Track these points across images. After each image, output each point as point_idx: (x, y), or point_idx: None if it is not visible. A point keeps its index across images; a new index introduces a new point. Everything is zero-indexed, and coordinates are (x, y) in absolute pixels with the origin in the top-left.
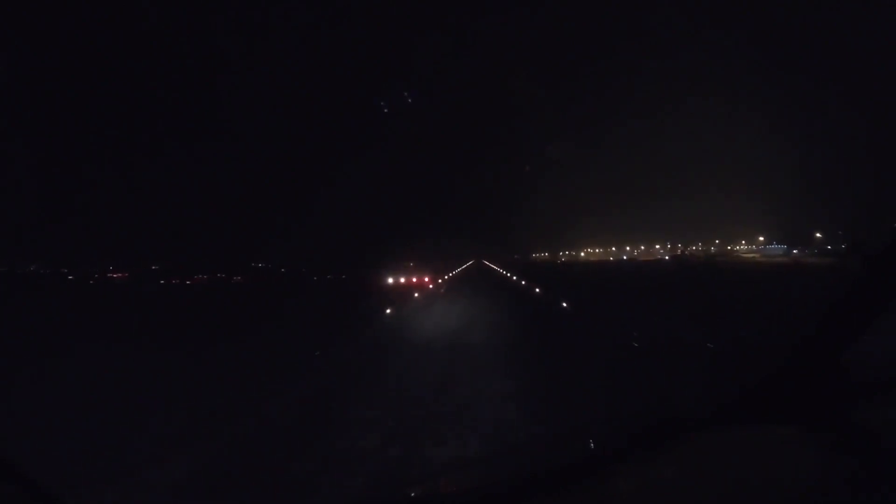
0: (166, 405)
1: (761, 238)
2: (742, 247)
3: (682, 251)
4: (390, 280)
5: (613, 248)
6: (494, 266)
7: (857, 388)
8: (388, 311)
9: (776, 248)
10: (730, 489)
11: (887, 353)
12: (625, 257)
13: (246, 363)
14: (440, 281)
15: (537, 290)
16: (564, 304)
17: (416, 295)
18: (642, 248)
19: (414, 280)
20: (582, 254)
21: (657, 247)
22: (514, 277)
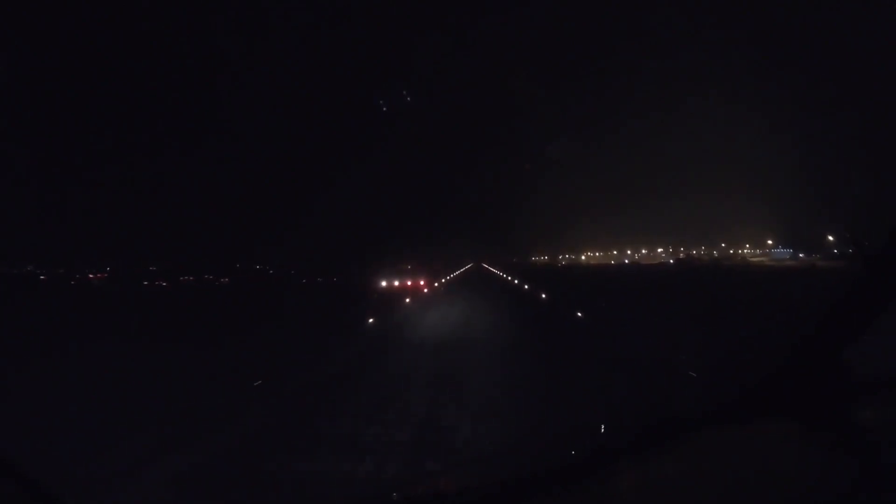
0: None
1: (770, 241)
2: (746, 250)
3: (686, 254)
4: (384, 283)
5: (615, 252)
6: (494, 269)
7: (857, 388)
8: (370, 321)
9: (781, 252)
10: (730, 488)
11: (887, 353)
12: (626, 261)
13: (160, 388)
14: (436, 285)
15: (543, 295)
16: (580, 314)
17: (408, 301)
18: (644, 251)
19: (409, 283)
20: (583, 257)
21: (659, 250)
22: (516, 281)
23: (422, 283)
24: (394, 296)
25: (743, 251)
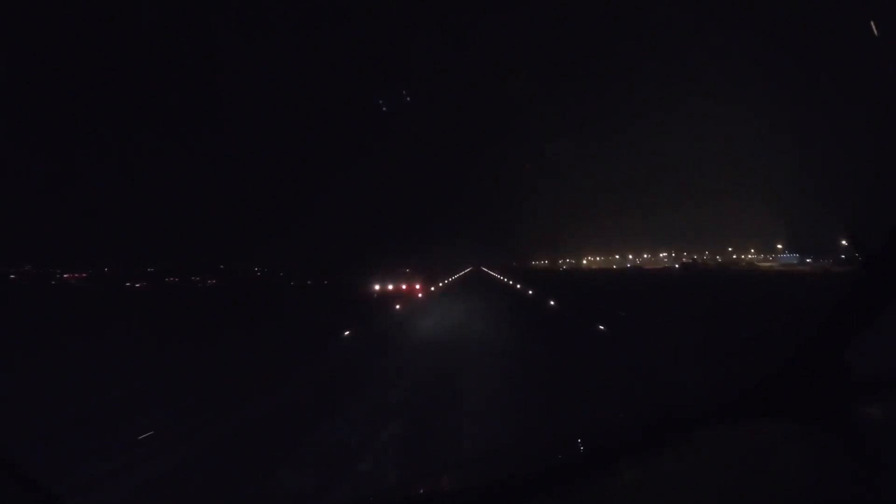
0: None
1: (779, 246)
2: (750, 255)
3: (692, 259)
4: (377, 287)
5: (617, 256)
6: (494, 273)
7: (857, 388)
8: (345, 333)
9: (788, 258)
10: (730, 488)
11: (887, 353)
12: (628, 265)
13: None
14: (432, 289)
15: (552, 303)
16: (602, 327)
17: (398, 307)
18: (645, 255)
19: (403, 287)
20: (584, 261)
21: (662, 255)
22: (519, 286)
23: (417, 287)
24: (385, 301)
25: (747, 256)
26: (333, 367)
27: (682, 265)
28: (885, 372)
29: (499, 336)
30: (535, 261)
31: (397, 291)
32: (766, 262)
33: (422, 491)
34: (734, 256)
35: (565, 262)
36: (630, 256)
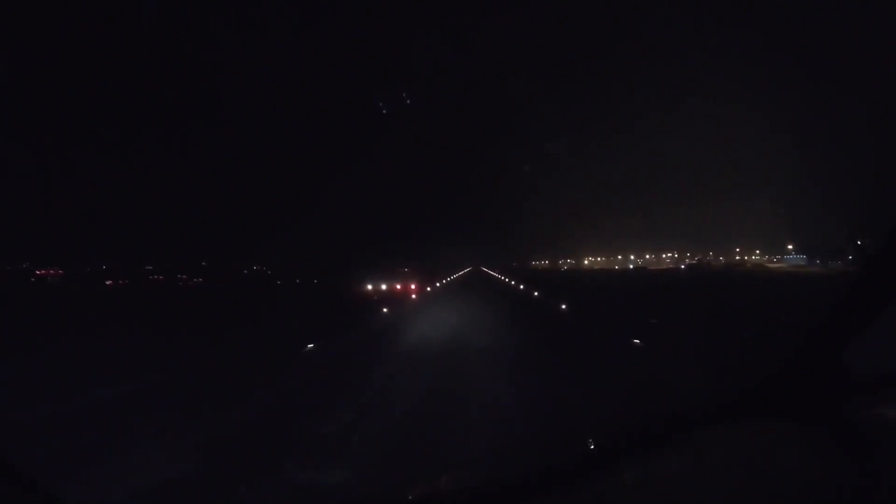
0: None
1: (790, 246)
2: (754, 256)
3: (699, 260)
4: (369, 286)
5: (619, 257)
6: (494, 273)
7: (857, 388)
8: (308, 346)
9: (795, 259)
10: (731, 488)
11: (887, 353)
12: (631, 266)
13: None
14: (428, 289)
15: (563, 306)
16: (637, 341)
17: (386, 310)
18: (647, 256)
19: (398, 287)
20: (585, 261)
21: (664, 256)
22: (522, 287)
23: (412, 286)
24: (374, 302)
25: (750, 257)
26: (316, 374)
27: (689, 266)
28: (885, 372)
29: (503, 354)
30: (535, 261)
31: (391, 291)
32: (775, 264)
33: (422, 491)
34: (737, 258)
35: (566, 263)
36: (632, 257)
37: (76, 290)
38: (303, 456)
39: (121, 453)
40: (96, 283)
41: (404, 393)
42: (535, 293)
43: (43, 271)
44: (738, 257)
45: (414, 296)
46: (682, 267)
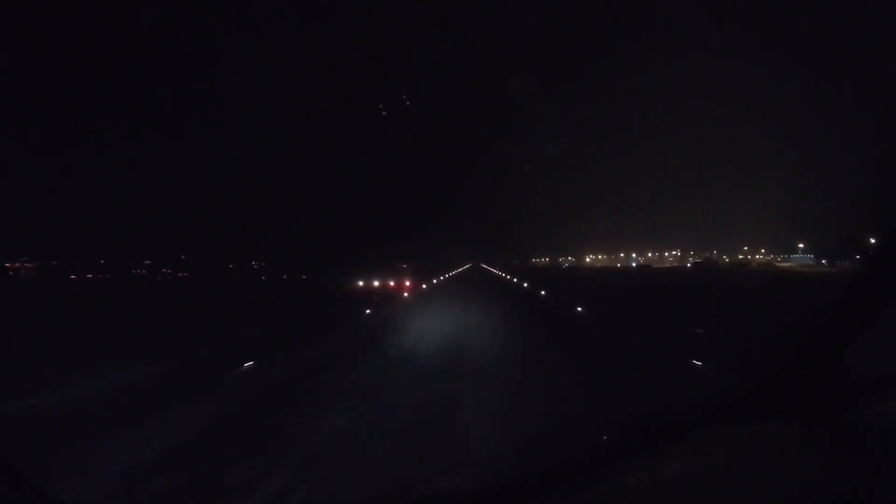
0: None
1: (801, 245)
2: (758, 256)
3: (705, 258)
4: (360, 283)
5: (622, 255)
6: (494, 270)
7: (857, 388)
8: (244, 366)
9: (803, 258)
10: (731, 488)
11: (887, 353)
12: (633, 264)
13: None
14: (423, 286)
15: (578, 308)
16: (699, 363)
17: (369, 312)
18: (649, 254)
19: (391, 284)
20: (587, 259)
21: (667, 254)
22: (525, 284)
23: (407, 283)
24: (361, 300)
25: (755, 256)
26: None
27: (695, 264)
28: (886, 372)
29: (510, 377)
30: (535, 259)
31: (382, 290)
32: (785, 263)
33: (422, 492)
34: (740, 257)
35: (566, 261)
36: (634, 255)
37: (46, 284)
38: None
39: None
40: (69, 278)
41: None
42: (542, 292)
43: (10, 265)
44: (740, 256)
45: (406, 294)
46: (689, 265)
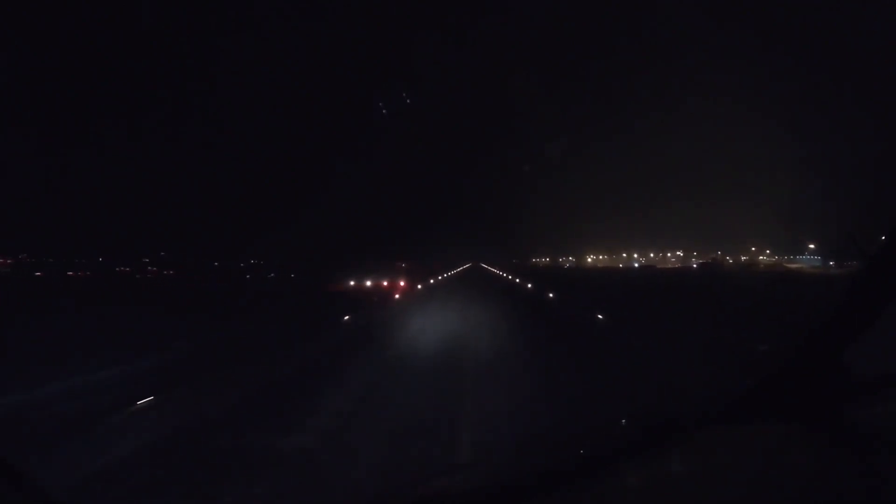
0: None
1: (812, 246)
2: (762, 257)
3: (712, 259)
4: (351, 283)
5: (624, 255)
6: (495, 270)
7: (857, 388)
8: (139, 403)
9: (810, 259)
10: (731, 488)
11: (887, 353)
12: (636, 265)
13: None
14: (419, 287)
15: (599, 316)
16: None
17: (347, 318)
18: (651, 255)
19: (385, 284)
20: (588, 259)
21: (669, 254)
22: (530, 285)
23: (401, 283)
24: (347, 302)
25: (759, 257)
26: None
27: (702, 265)
28: (886, 372)
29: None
30: (535, 259)
31: (374, 288)
32: (795, 264)
33: (422, 492)
34: (743, 258)
35: (566, 261)
36: (636, 255)
37: (18, 281)
38: None
39: None
40: (43, 275)
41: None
42: (550, 294)
43: None
44: (743, 257)
45: (398, 296)
46: (694, 266)
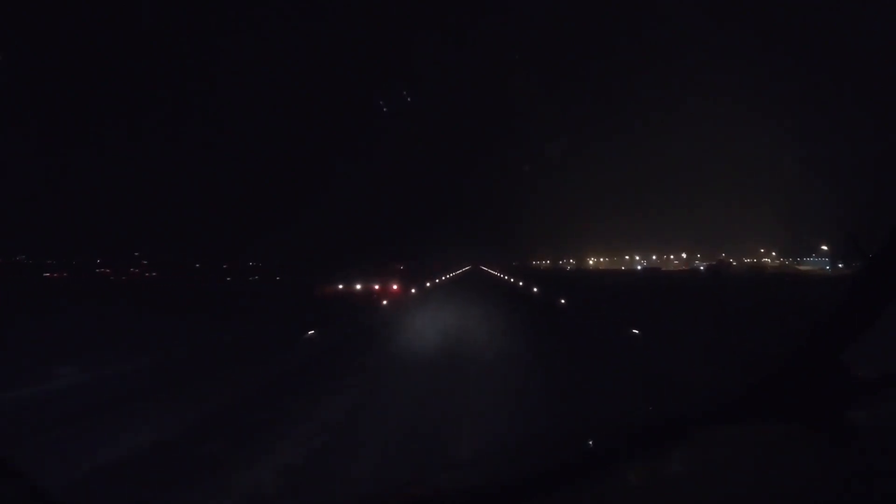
0: None
1: (825, 247)
2: (766, 259)
3: (719, 261)
4: (340, 286)
5: (626, 257)
6: (495, 272)
7: (857, 388)
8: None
9: (817, 261)
10: (731, 488)
11: (887, 353)
12: (639, 266)
13: None
14: (413, 291)
15: (634, 331)
16: None
17: (310, 335)
18: (653, 257)
19: (376, 287)
20: (590, 261)
21: (672, 256)
22: (535, 289)
23: (394, 287)
24: (320, 311)
25: (762, 259)
26: None
27: (709, 267)
28: (886, 372)
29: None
30: (535, 261)
31: (365, 293)
32: (805, 266)
33: (422, 491)
34: (747, 260)
35: (567, 263)
36: (637, 258)
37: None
38: None
39: None
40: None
41: None
42: (562, 300)
43: None
44: (746, 259)
45: (386, 303)
46: (700, 268)
